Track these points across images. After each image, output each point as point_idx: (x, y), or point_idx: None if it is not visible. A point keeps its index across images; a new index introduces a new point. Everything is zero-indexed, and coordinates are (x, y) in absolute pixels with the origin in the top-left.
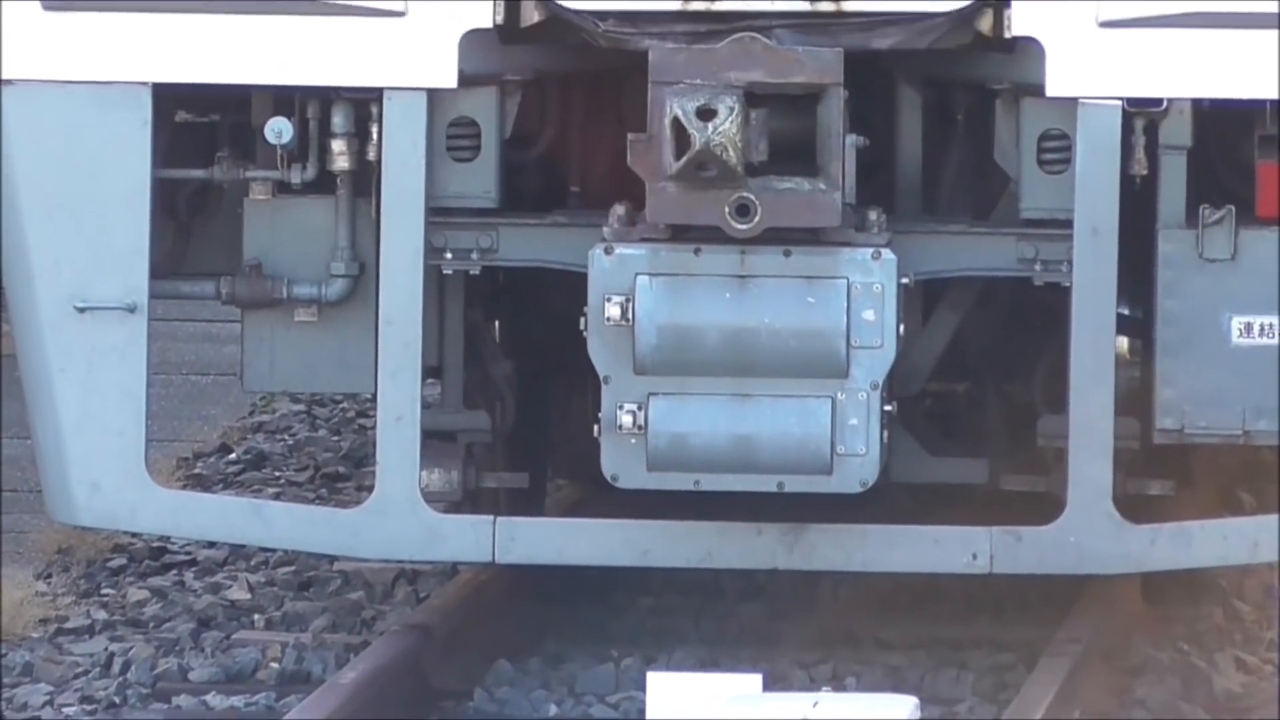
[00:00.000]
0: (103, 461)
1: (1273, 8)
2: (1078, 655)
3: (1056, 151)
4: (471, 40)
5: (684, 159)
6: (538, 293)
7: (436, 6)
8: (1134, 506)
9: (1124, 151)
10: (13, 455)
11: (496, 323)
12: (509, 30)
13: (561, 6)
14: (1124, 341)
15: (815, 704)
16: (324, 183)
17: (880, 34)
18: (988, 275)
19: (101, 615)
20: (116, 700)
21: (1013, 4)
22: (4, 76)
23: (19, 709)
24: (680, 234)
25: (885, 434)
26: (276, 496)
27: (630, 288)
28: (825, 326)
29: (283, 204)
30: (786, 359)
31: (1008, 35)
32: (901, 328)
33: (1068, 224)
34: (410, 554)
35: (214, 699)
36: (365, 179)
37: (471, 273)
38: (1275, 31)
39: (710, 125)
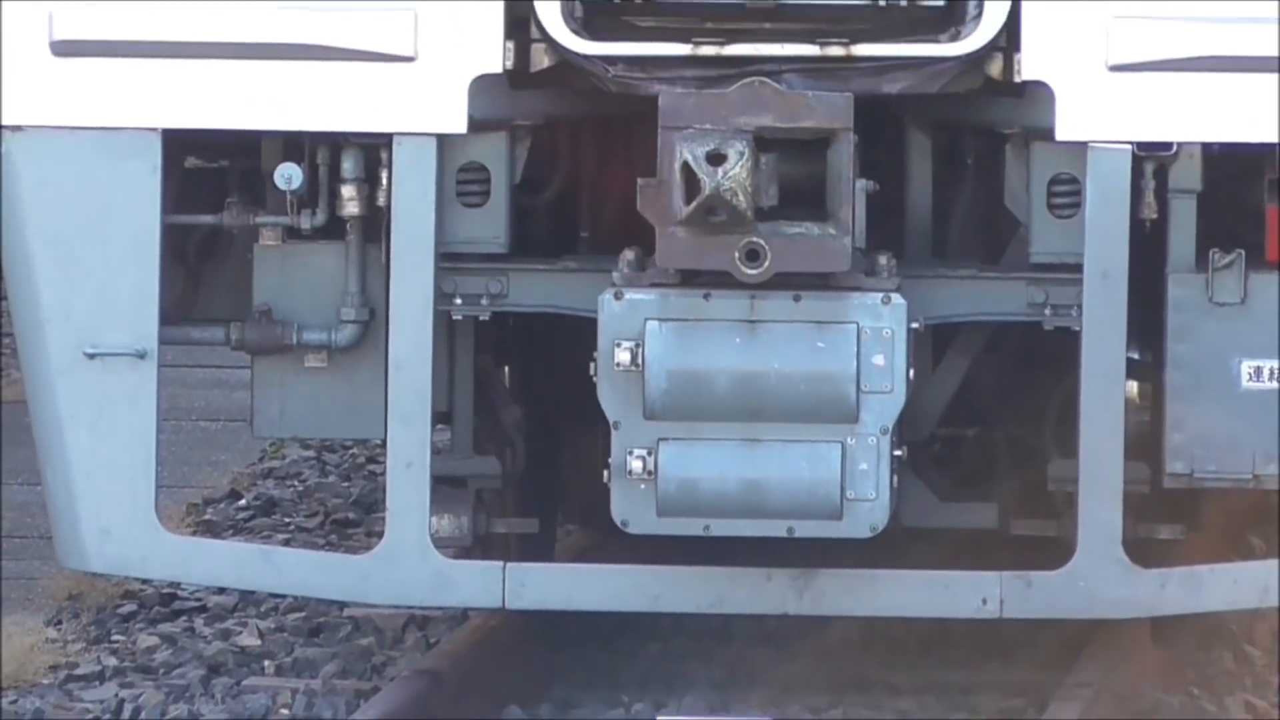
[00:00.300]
0: (113, 507)
1: None
2: (1088, 699)
3: (1066, 196)
4: (481, 85)
5: (694, 204)
6: (548, 338)
7: (446, 52)
8: (1144, 551)
9: (1134, 195)
10: (23, 501)
11: (506, 368)
12: (519, 75)
13: (571, 51)
14: (1134, 385)
15: None
16: (334, 228)
17: (890, 79)
18: (998, 320)
19: (112, 661)
20: None
21: (1022, 48)
22: (13, 123)
23: None
24: (690, 279)
25: (895, 479)
26: (286, 542)
27: (640, 333)
28: (835, 371)
29: (292, 250)
30: (796, 404)
31: (1017, 79)
32: (911, 372)
33: (1077, 268)
34: (420, 599)
35: None
36: (375, 224)
37: (481, 318)
38: None
39: (720, 170)
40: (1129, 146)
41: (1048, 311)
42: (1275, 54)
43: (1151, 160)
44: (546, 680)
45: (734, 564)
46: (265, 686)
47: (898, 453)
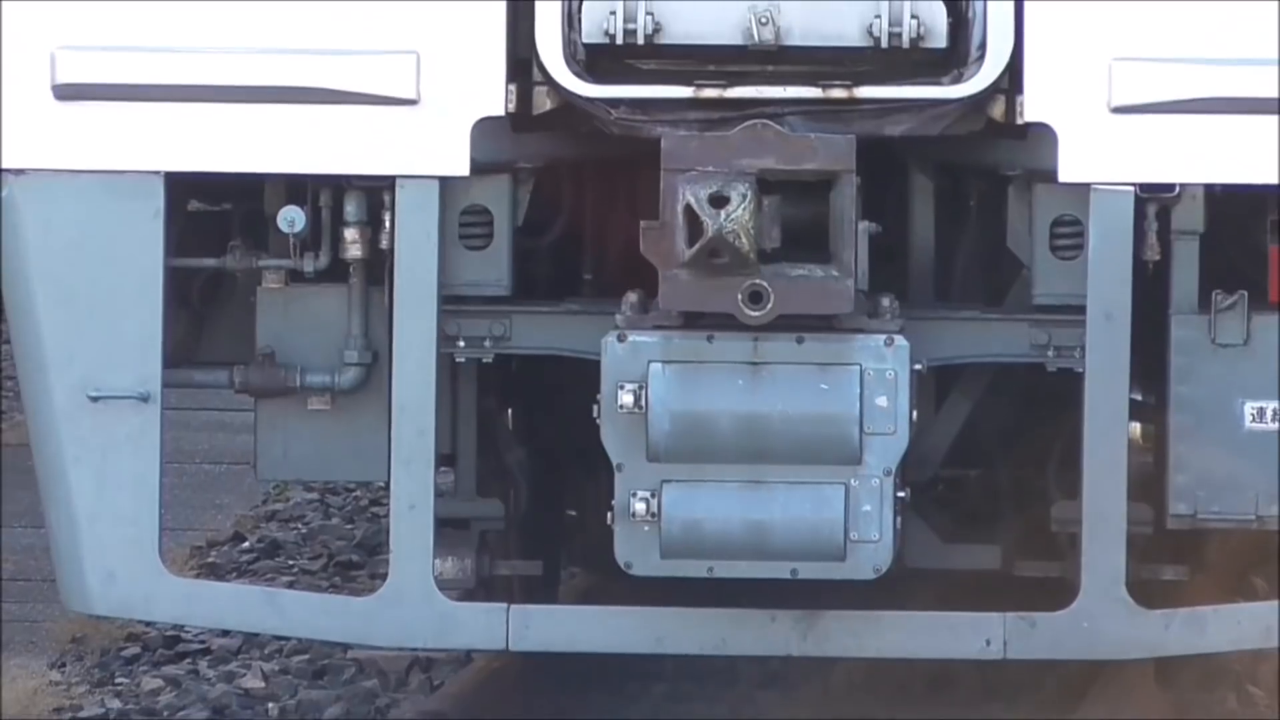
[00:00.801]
0: (117, 550)
1: None
2: None
3: (1069, 237)
4: (484, 128)
5: (696, 246)
6: (551, 380)
7: (449, 95)
8: (1147, 592)
9: (1136, 237)
10: (26, 544)
11: (510, 410)
12: (521, 118)
13: (574, 94)
14: (1137, 427)
15: None
16: (337, 271)
17: (893, 121)
18: (1001, 361)
19: (115, 704)
20: None
21: (1025, 90)
22: (16, 166)
23: None
24: (693, 321)
25: (898, 520)
26: (290, 585)
27: (643, 375)
28: (838, 413)
29: (295, 293)
30: (800, 445)
31: (1020, 121)
32: (914, 414)
33: (1081, 309)
34: (424, 642)
35: None
36: (378, 267)
37: (484, 360)
38: None
39: (723, 212)
40: (1131, 188)
41: (1051, 353)
42: (1276, 96)
43: (1154, 201)
44: None
45: (738, 605)
46: None
47: (901, 494)
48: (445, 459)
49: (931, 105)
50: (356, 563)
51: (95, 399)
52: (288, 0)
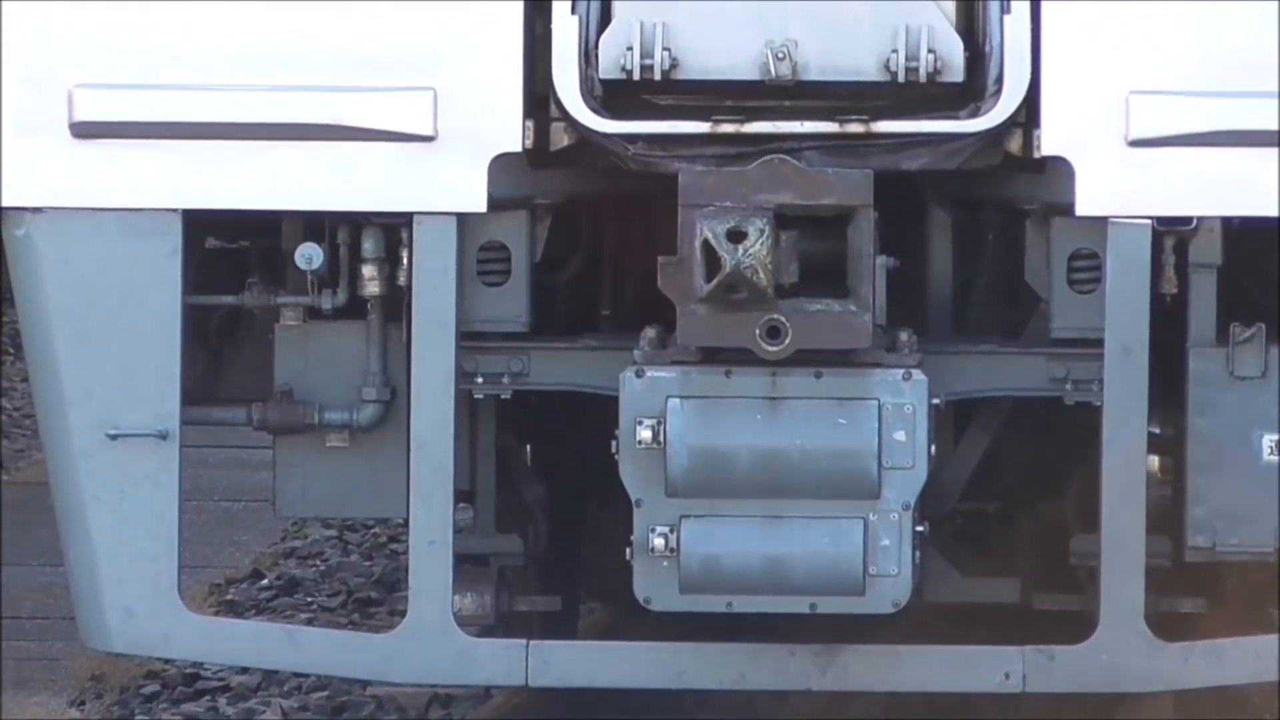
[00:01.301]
0: (136, 588)
1: None
2: None
3: (1087, 271)
4: (501, 164)
5: (714, 281)
6: (569, 416)
7: (466, 131)
8: (1166, 624)
9: (1154, 270)
10: (46, 582)
11: (528, 446)
12: (539, 154)
13: (591, 130)
14: (1155, 460)
15: None
16: (355, 308)
17: (910, 155)
18: (1019, 395)
19: None
20: None
21: (1042, 124)
22: (34, 204)
23: None
24: (711, 356)
25: (917, 554)
26: (309, 622)
27: (661, 410)
28: (857, 448)
29: (314, 330)
30: (818, 480)
31: (1037, 155)
32: (933, 448)
33: (1098, 343)
34: (443, 678)
35: None
36: (396, 304)
37: (503, 397)
38: None
39: (740, 248)
40: (1149, 221)
41: (1069, 386)
42: None
43: (1172, 235)
44: None
45: (757, 640)
46: None
47: (920, 528)
48: (464, 495)
49: (949, 139)
50: (375, 599)
51: (114, 437)
52: (304, 37)
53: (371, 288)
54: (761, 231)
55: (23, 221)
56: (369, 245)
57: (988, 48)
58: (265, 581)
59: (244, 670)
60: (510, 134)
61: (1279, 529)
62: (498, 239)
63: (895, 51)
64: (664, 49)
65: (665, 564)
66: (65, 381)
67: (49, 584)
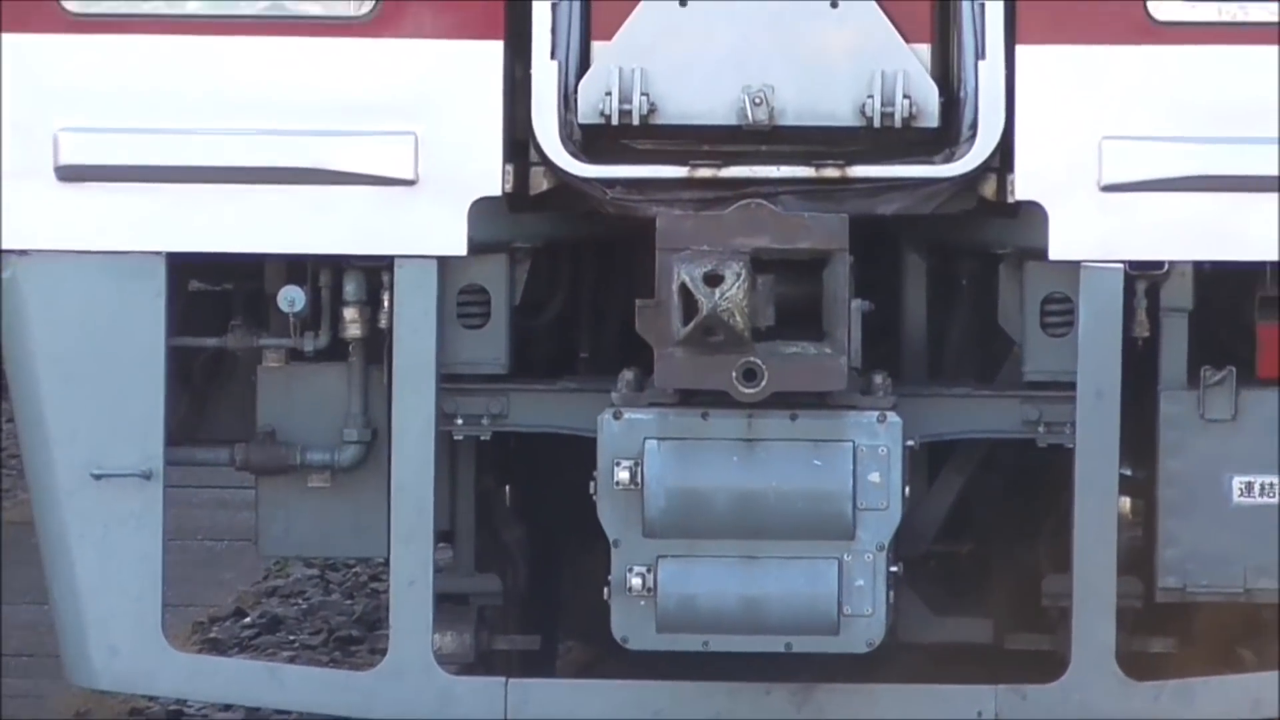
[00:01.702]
0: (120, 626)
1: (1272, 171)
2: None
3: (1059, 314)
4: (481, 208)
5: (691, 325)
6: (548, 457)
7: (447, 176)
8: (1137, 664)
9: (1126, 314)
10: (30, 620)
11: (507, 487)
12: (518, 198)
13: (570, 174)
14: (1126, 501)
15: None
16: (336, 350)
17: (885, 200)
18: (992, 437)
19: None
20: None
21: (1016, 169)
22: (19, 247)
23: None
24: (688, 398)
25: (891, 594)
26: (291, 660)
27: (639, 452)
28: (832, 489)
29: (296, 371)
30: (794, 521)
31: (1011, 200)
32: (907, 489)
33: (1071, 386)
34: (424, 715)
35: None
36: (377, 346)
37: (482, 438)
38: (1275, 195)
39: (717, 291)
40: (1121, 266)
41: (1042, 429)
42: (1263, 174)
43: (1143, 279)
44: None
45: (734, 678)
46: None
47: (894, 569)
48: (444, 535)
49: (923, 184)
50: (357, 638)
51: (98, 477)
52: (286, 82)
53: (353, 330)
54: (738, 275)
55: (9, 264)
56: (350, 288)
57: (962, 94)
58: (248, 620)
59: (227, 707)
60: (490, 178)
61: (1248, 571)
62: (478, 282)
63: (871, 97)
64: (642, 94)
65: (642, 603)
66: (50, 422)
67: (34, 622)
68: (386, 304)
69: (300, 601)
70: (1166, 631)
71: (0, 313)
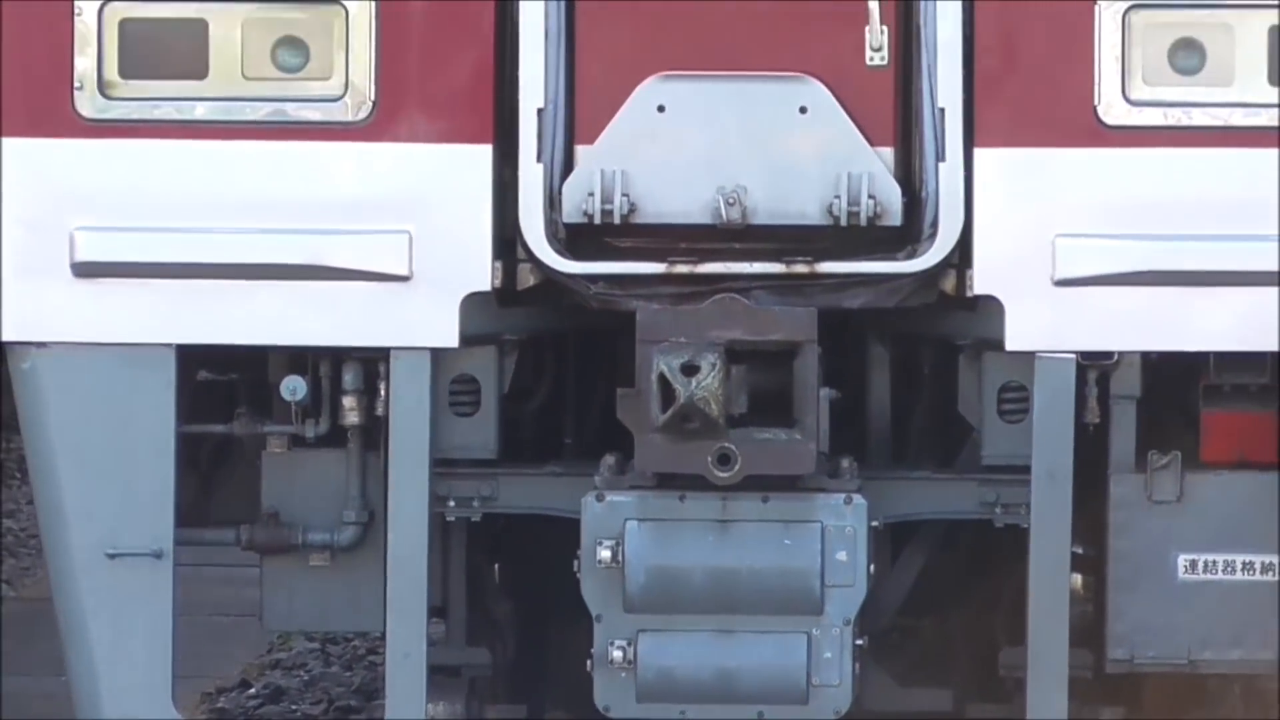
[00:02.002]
0: (133, 696)
1: (1214, 266)
2: None
3: (1015, 402)
4: (472, 302)
5: (669, 412)
6: (536, 537)
7: (439, 272)
8: None
9: (1078, 401)
10: (49, 691)
11: (497, 565)
12: (507, 293)
13: (555, 270)
14: (1078, 578)
15: None
16: (336, 436)
17: (851, 294)
18: (952, 518)
19: None
20: None
21: (974, 265)
22: (39, 339)
23: None
24: (666, 482)
25: (857, 666)
26: None
27: (620, 532)
28: (801, 567)
29: (298, 456)
30: (766, 597)
31: (970, 294)
32: (872, 567)
33: (1026, 469)
34: None
35: None
36: (374, 432)
37: (473, 519)
38: (1217, 288)
39: (694, 381)
40: (1073, 356)
41: (998, 510)
42: (1206, 269)
43: (1094, 368)
44: None
45: None
46: None
47: (859, 642)
48: (437, 610)
49: (887, 280)
50: (355, 707)
51: (113, 556)
52: (289, 183)
53: (351, 418)
54: (713, 366)
55: (28, 355)
56: (349, 378)
57: (924, 193)
58: (253, 690)
59: None
60: (480, 274)
61: (1193, 643)
62: (468, 372)
63: (838, 197)
64: (623, 195)
65: (623, 675)
66: (67, 503)
67: (51, 693)
68: (383, 393)
69: (302, 673)
70: (1116, 701)
71: (20, 401)
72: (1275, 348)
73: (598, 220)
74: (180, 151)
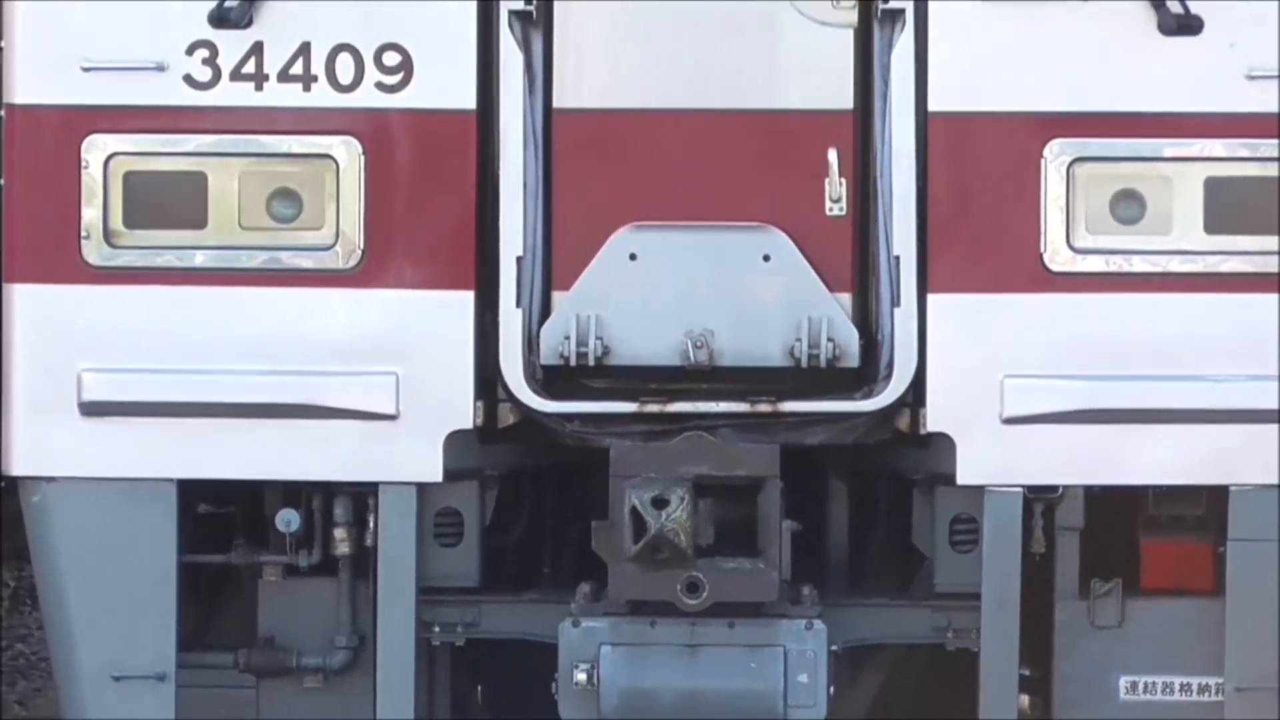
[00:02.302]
0: None
1: (1152, 404)
2: None
3: (966, 533)
4: (455, 440)
5: (641, 543)
6: (516, 659)
7: (425, 411)
8: None
9: (1025, 532)
10: None
11: (479, 686)
12: (488, 430)
13: (534, 410)
14: (1025, 699)
15: None
16: (328, 565)
17: (812, 432)
18: (907, 642)
19: None
20: None
21: (927, 404)
22: (48, 474)
23: None
24: (638, 608)
25: None
26: None
27: (595, 656)
28: (765, 689)
29: (292, 585)
30: (731, 717)
31: (923, 432)
32: (831, 689)
33: (976, 597)
34: None
35: None
36: (364, 562)
37: (457, 644)
38: (1156, 425)
39: (664, 513)
40: (1020, 490)
41: (950, 634)
42: (1145, 407)
43: (1040, 501)
44: None
45: None
46: None
47: None
48: None
49: (845, 418)
50: None
51: (118, 679)
52: (283, 328)
53: (343, 548)
54: (682, 499)
55: (38, 489)
56: (340, 511)
57: (880, 336)
58: None
59: None
60: (463, 413)
61: None
62: (452, 505)
63: (799, 340)
64: (597, 338)
65: None
66: (76, 629)
67: None
68: (372, 525)
69: None
70: None
71: (31, 532)
72: (1210, 481)
73: (574, 362)
74: (181, 297)
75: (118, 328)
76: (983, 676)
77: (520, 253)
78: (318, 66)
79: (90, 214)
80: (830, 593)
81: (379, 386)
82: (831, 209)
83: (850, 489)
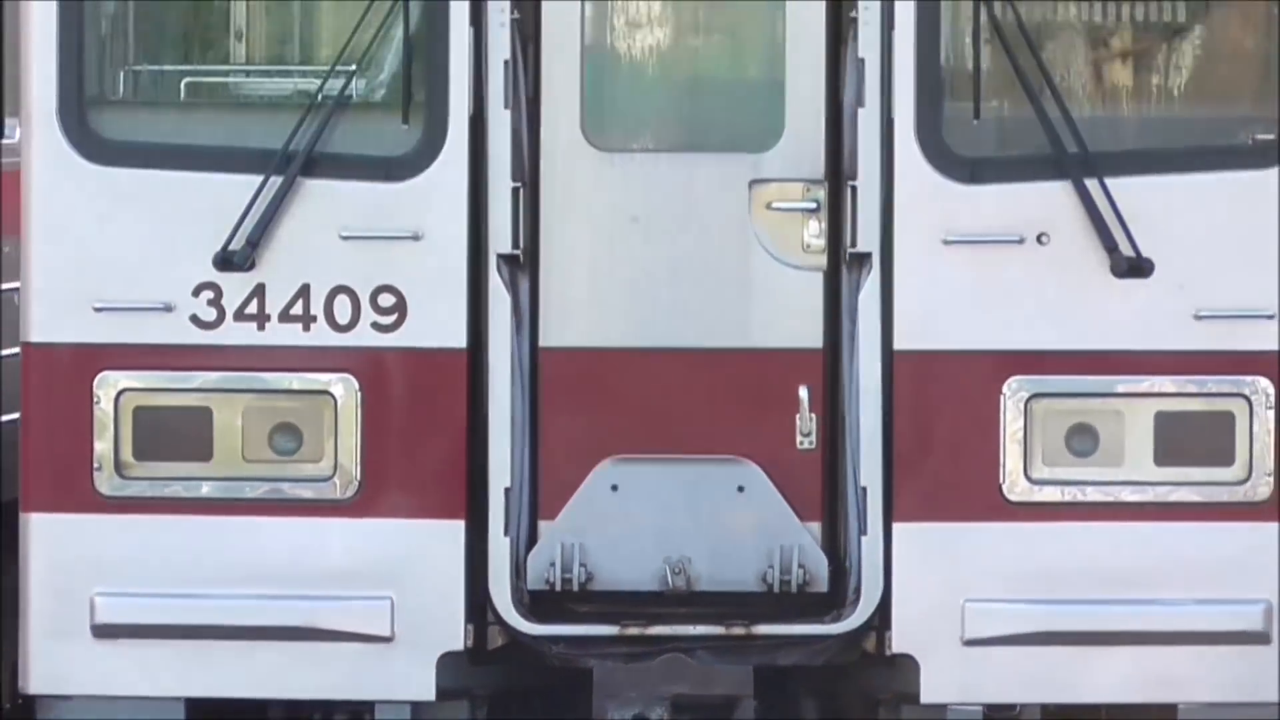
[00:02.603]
0: None
1: (1108, 628)
2: None
3: None
4: (447, 661)
5: None
6: None
7: (418, 634)
8: None
9: None
10: None
11: None
12: (478, 652)
13: (521, 633)
14: None
15: None
16: None
17: (784, 654)
18: None
19: None
20: None
21: (893, 627)
22: (62, 692)
23: None
24: None
25: None
26: None
27: None
28: None
29: None
30: None
31: (889, 653)
32: None
33: None
34: None
35: None
36: None
37: None
38: (1110, 647)
39: None
40: (980, 708)
41: None
42: (1099, 630)
43: (999, 718)
44: None
45: None
46: None
47: None
48: None
49: (815, 640)
50: None
51: None
52: (284, 553)
53: None
54: (661, 718)
55: (54, 706)
56: None
57: (848, 563)
58: None
59: None
60: (454, 636)
61: None
62: None
63: (771, 567)
64: (580, 565)
65: None
66: None
67: None
68: None
69: None
70: None
71: None
72: (1160, 699)
73: (558, 588)
74: (188, 526)
75: (128, 554)
76: None
77: (508, 484)
78: (317, 307)
79: (102, 446)
80: None
81: (375, 610)
82: (802, 442)
83: (820, 707)
